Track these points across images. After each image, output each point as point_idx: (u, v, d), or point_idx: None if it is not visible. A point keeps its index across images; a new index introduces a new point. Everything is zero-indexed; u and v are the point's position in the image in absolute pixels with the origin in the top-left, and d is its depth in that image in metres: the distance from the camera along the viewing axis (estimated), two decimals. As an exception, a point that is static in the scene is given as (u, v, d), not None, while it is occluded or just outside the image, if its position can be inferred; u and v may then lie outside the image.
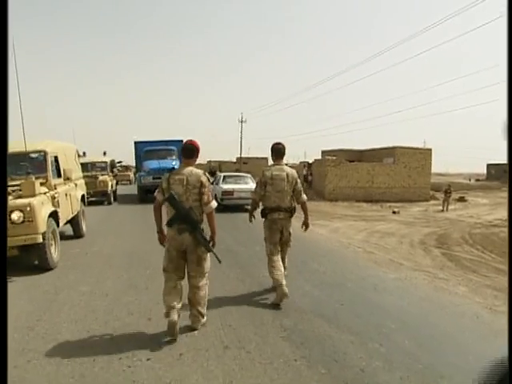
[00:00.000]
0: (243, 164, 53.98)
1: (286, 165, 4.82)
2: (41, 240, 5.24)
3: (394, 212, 16.89)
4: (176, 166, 15.92)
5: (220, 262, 3.79)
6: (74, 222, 7.94)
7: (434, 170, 25.49)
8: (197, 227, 3.48)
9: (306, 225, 4.83)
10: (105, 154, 18.59)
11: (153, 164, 15.77)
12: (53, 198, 6.04)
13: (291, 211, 4.63)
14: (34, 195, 5.34)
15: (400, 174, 22.66)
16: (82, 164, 16.87)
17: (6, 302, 1.89)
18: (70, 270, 5.70)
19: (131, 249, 7.05)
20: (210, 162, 57.46)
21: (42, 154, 6.37)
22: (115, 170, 17.79)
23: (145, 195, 15.80)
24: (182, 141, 18.58)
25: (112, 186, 16.49)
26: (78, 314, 3.98)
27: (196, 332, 3.53)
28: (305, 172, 28.99)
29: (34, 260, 5.57)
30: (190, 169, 3.58)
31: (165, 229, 3.64)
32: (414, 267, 6.33)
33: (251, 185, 13.24)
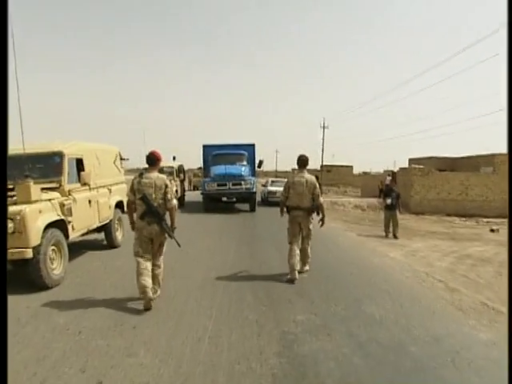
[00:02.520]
0: (327, 172, 51.67)
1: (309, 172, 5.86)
2: (30, 255, 4.48)
3: (492, 230, 14.06)
4: (244, 173, 14.43)
5: (179, 246, 4.69)
6: (106, 231, 7.29)
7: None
8: (162, 220, 4.41)
9: (322, 221, 5.80)
10: (174, 158, 18.37)
11: (219, 169, 14.57)
12: (61, 205, 5.31)
13: (309, 210, 5.60)
14: (29, 202, 4.62)
15: (501, 186, 19.17)
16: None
17: (5, 302, 1.99)
18: (70, 290, 4.88)
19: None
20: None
21: (59, 155, 5.72)
22: (181, 175, 17.43)
23: (210, 203, 14.77)
24: (253, 145, 16.89)
25: (177, 192, 16.11)
26: (26, 362, 3.01)
27: None
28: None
29: (29, 276, 4.82)
30: (155, 174, 4.46)
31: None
32: (520, 320, 4.37)
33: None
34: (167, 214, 4.48)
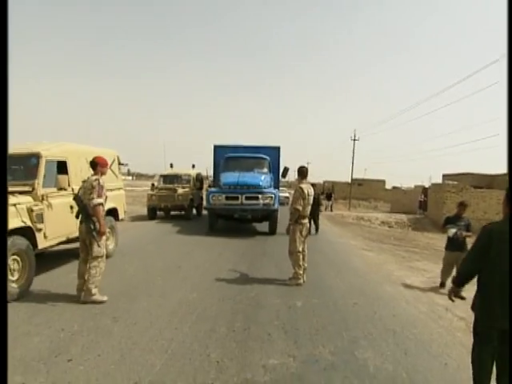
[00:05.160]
0: (358, 186, 50.31)
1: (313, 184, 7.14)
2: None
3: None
4: (263, 183, 11.09)
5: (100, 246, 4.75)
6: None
7: None
8: (88, 219, 4.61)
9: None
10: (193, 166, 18.01)
11: (230, 177, 11.32)
12: (29, 210, 4.84)
13: (310, 219, 7.05)
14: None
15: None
16: (165, 176, 16.75)
17: (5, 303, 2.05)
18: (24, 307, 4.35)
19: (128, 284, 5.51)
20: (325, 182, 55.12)
21: (36, 157, 5.29)
22: (198, 183, 16.95)
23: (216, 221, 11.68)
24: (278, 148, 13.73)
25: (192, 201, 15.65)
26: None
27: None
28: (421, 198, 25.01)
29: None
30: (88, 177, 4.82)
31: None
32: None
33: (286, 194, 24.57)
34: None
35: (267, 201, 10.83)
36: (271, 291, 5.46)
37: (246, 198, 10.79)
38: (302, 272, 5.95)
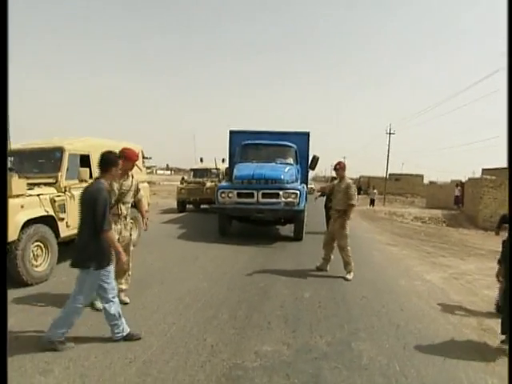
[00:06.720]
0: (395, 181, 49.03)
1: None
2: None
3: None
4: (285, 177, 8.88)
5: None
6: (117, 229, 7.15)
7: None
8: None
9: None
10: (223, 160, 18.32)
11: (244, 169, 9.25)
12: (52, 200, 5.19)
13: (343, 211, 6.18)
14: (10, 196, 4.51)
15: None
16: (195, 170, 17.16)
17: (5, 303, 2.19)
18: (49, 288, 4.70)
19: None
20: (361, 177, 54.19)
21: (59, 151, 5.65)
22: (227, 177, 17.21)
23: (228, 224, 9.62)
24: (307, 134, 11.40)
25: (221, 195, 15.95)
26: None
27: None
28: (457, 192, 24.03)
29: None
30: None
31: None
32: None
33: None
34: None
35: (290, 199, 8.56)
36: (281, 282, 5.54)
37: (264, 196, 8.58)
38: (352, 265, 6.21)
